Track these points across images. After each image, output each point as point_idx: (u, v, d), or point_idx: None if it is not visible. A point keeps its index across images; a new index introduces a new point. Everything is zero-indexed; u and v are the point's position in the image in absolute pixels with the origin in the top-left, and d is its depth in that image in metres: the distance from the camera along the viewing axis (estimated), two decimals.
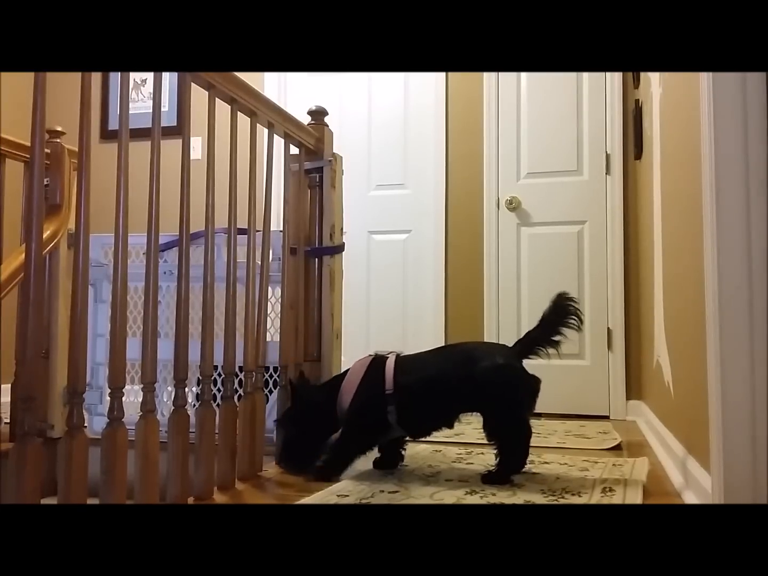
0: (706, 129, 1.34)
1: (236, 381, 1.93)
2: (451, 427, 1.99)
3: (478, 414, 1.93)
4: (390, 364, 1.97)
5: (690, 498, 1.64)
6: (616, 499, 1.67)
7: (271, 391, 2.31)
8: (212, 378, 1.78)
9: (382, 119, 4.03)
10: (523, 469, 1.94)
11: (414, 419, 1.97)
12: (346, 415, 1.97)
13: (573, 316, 1.92)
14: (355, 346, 3.82)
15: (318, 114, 2.50)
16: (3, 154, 2.45)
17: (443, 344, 2.16)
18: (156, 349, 1.55)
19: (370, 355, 2.06)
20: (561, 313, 1.93)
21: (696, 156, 1.54)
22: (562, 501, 1.66)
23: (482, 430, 1.92)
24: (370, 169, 4.02)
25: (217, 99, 1.85)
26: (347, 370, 2.06)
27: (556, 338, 1.92)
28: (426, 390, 1.93)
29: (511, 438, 1.88)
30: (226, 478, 1.81)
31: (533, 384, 1.91)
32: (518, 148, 3.77)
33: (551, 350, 1.93)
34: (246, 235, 1.98)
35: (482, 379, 1.87)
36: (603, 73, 3.64)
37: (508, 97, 3.79)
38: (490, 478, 1.86)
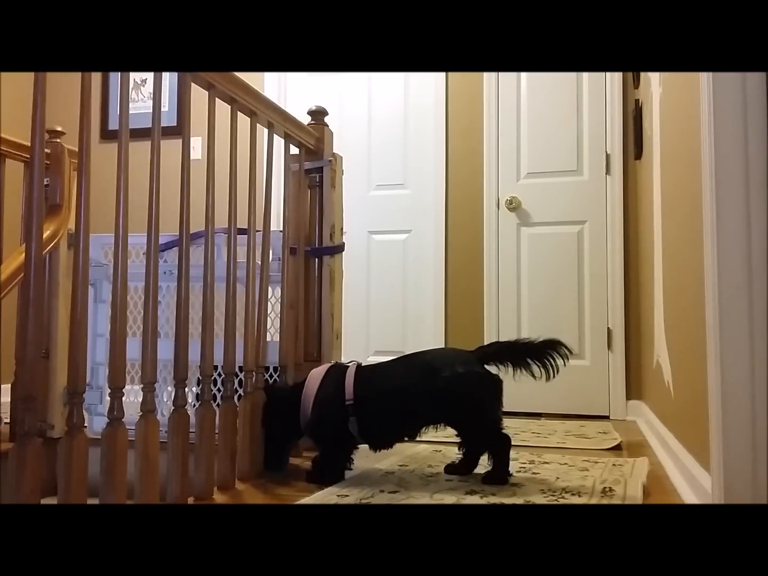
0: (706, 129, 1.34)
1: (236, 381, 1.93)
2: (414, 438, 1.99)
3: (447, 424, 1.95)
4: (350, 374, 1.96)
5: (690, 498, 1.64)
6: (616, 499, 1.67)
7: None
8: (212, 378, 1.78)
9: (382, 119, 4.03)
10: (523, 470, 1.94)
11: (375, 432, 1.96)
12: (308, 425, 1.96)
13: (548, 365, 1.89)
14: (355, 346, 3.83)
15: (318, 114, 2.50)
16: (3, 154, 2.45)
17: (413, 351, 2.13)
18: (156, 349, 1.55)
19: (329, 363, 2.06)
20: (536, 354, 1.90)
21: (696, 156, 1.54)
22: (562, 501, 1.66)
23: (456, 437, 1.95)
24: (370, 169, 4.02)
25: (217, 99, 1.85)
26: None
27: (522, 365, 1.90)
28: (387, 403, 1.92)
29: (491, 439, 1.90)
30: (226, 478, 1.81)
31: (495, 385, 1.90)
32: (518, 148, 3.77)
33: (510, 370, 1.91)
34: (246, 235, 1.98)
35: (444, 391, 1.87)
36: (603, 73, 3.64)
37: (508, 97, 3.79)
38: (489, 479, 1.87)
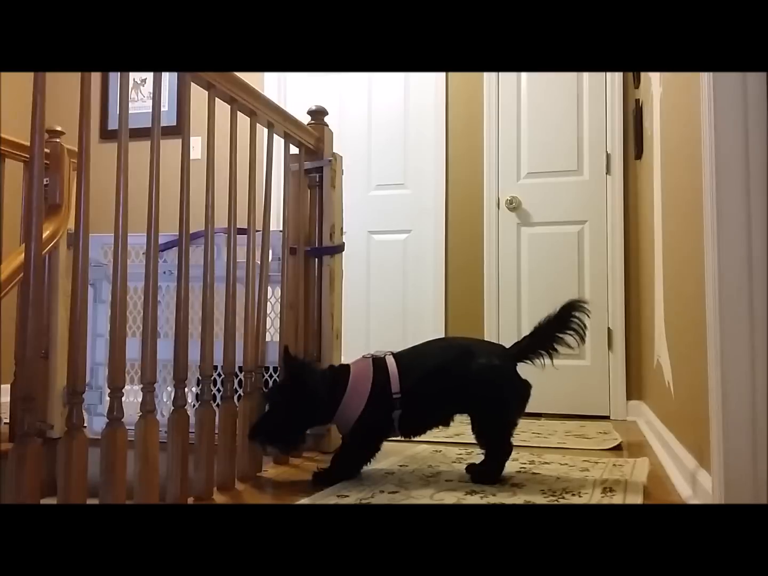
0: (706, 129, 1.34)
1: (236, 381, 1.93)
2: (447, 425, 1.97)
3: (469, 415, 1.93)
4: (393, 367, 1.92)
5: (690, 498, 1.64)
6: (617, 499, 1.67)
7: None
8: (212, 378, 1.78)
9: (382, 119, 4.03)
10: (523, 470, 1.93)
11: (415, 421, 1.95)
12: (355, 425, 1.89)
13: (574, 330, 1.89)
14: (355, 346, 3.82)
15: (318, 114, 2.50)
16: (3, 154, 2.45)
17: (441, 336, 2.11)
18: (156, 349, 1.55)
19: (365, 357, 1.97)
20: (562, 325, 1.90)
21: (696, 156, 1.54)
22: (562, 501, 1.66)
23: (471, 431, 1.92)
24: (370, 169, 4.02)
25: (217, 99, 1.85)
26: (347, 367, 1.96)
27: (554, 347, 1.91)
28: (427, 387, 1.90)
29: (498, 438, 1.89)
30: (225, 478, 1.81)
31: (524, 389, 1.91)
32: (518, 148, 3.77)
33: (546, 359, 1.92)
34: (246, 235, 1.97)
35: (476, 377, 1.87)
36: (603, 73, 3.64)
37: (508, 97, 3.79)
38: (479, 478, 1.87)
